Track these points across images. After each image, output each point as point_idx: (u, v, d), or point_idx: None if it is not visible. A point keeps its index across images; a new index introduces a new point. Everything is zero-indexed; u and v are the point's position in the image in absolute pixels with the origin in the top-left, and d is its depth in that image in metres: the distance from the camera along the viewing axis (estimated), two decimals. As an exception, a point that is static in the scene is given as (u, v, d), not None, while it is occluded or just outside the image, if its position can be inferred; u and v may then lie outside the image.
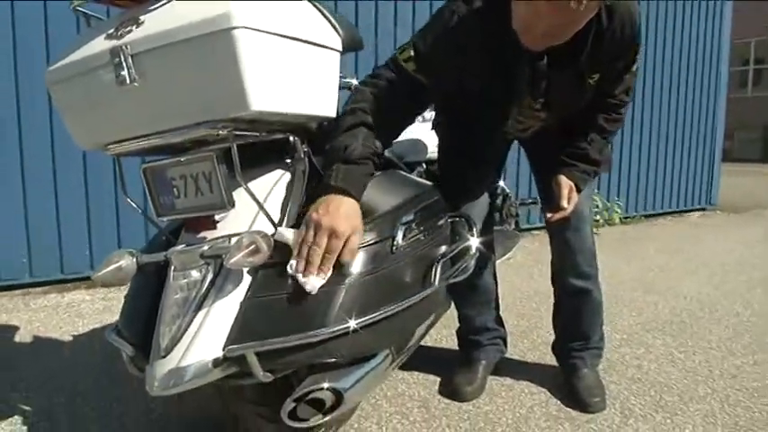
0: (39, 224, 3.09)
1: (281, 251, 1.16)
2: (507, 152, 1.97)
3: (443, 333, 2.37)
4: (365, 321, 1.14)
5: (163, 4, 1.13)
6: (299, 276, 1.12)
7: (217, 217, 1.24)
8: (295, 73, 1.17)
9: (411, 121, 1.52)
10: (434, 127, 1.95)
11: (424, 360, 2.08)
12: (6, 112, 3.00)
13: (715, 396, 1.89)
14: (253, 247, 1.09)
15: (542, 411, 1.79)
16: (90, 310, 2.84)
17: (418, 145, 2.21)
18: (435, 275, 1.36)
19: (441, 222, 1.53)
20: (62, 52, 1.25)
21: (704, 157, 6.01)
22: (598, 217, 4.87)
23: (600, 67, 1.50)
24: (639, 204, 5.50)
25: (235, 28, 1.01)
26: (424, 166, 2.21)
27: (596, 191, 4.87)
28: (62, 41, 2.19)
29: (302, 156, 1.32)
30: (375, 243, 1.23)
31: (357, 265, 1.19)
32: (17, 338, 2.49)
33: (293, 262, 1.14)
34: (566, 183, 1.65)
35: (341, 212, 1.17)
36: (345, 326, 1.12)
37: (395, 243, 1.26)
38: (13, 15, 2.97)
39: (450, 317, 2.01)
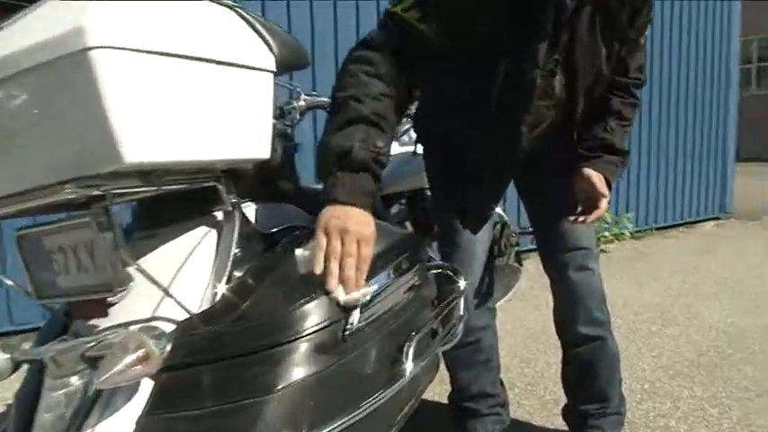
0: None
1: (190, 349, 0.85)
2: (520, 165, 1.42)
3: (430, 393, 2.03)
4: (306, 445, 0.83)
5: (14, 21, 0.83)
6: (339, 297, 0.91)
7: (110, 299, 0.93)
8: (196, 106, 0.86)
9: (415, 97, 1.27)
10: (417, 124, 1.60)
11: None
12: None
13: (761, 468, 1.57)
14: (141, 352, 0.78)
15: (554, 500, 1.47)
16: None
17: (397, 171, 1.87)
18: (407, 360, 1.04)
19: (414, 281, 1.20)
20: None
21: (716, 163, 5.66)
22: (607, 233, 4.53)
23: (618, 28, 1.29)
24: (650, 217, 5.16)
25: (92, 48, 0.71)
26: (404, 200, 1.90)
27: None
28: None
29: (230, 208, 1.01)
30: (318, 330, 0.90)
31: (294, 364, 0.87)
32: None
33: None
34: (595, 175, 1.40)
35: (362, 219, 0.98)
36: (277, 455, 0.81)
37: (348, 325, 0.94)
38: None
39: (439, 374, 1.68)
